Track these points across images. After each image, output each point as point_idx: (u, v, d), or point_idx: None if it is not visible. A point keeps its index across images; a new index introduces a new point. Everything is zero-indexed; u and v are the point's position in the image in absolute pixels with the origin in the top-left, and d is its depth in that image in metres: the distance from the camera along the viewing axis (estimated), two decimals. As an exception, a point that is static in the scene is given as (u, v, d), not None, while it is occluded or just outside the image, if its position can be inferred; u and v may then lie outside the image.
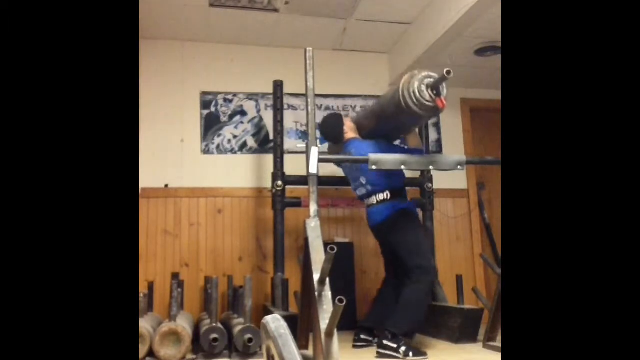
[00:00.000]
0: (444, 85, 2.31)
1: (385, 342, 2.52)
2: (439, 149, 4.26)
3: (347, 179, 3.02)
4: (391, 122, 2.69)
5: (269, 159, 3.63)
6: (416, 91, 2.31)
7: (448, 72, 2.10)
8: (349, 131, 2.91)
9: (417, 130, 2.97)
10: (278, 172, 3.34)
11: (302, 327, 2.36)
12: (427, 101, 2.31)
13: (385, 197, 2.75)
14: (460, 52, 3.67)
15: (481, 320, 2.92)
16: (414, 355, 2.47)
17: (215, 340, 2.44)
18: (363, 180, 2.80)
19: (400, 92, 2.35)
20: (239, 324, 2.54)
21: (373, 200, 2.79)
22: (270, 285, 3.41)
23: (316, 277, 1.76)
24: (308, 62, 2.27)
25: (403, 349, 2.48)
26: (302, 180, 2.92)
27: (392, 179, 2.76)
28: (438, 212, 3.93)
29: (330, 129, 2.93)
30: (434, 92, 2.29)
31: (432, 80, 2.30)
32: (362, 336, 2.82)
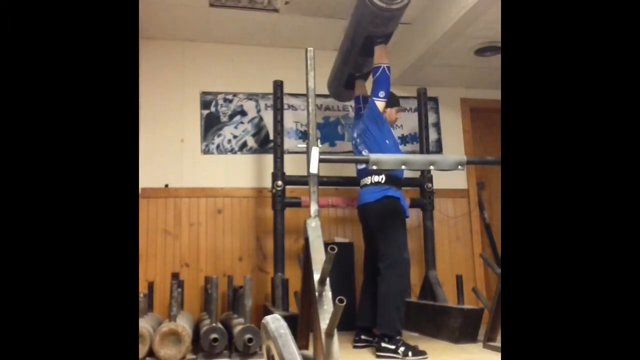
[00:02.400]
0: None
1: (383, 344, 2.53)
2: (439, 149, 4.26)
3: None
4: (359, 34, 2.88)
5: (269, 159, 3.64)
6: None
7: None
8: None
9: (384, 46, 2.94)
10: (278, 172, 3.35)
11: (302, 327, 2.37)
12: None
13: (380, 180, 2.76)
14: (460, 52, 3.67)
15: (481, 320, 2.92)
16: (413, 355, 2.47)
17: (215, 340, 2.44)
18: (365, 154, 2.81)
19: None
20: (239, 324, 2.54)
21: (368, 180, 2.81)
22: (270, 285, 3.41)
23: (316, 277, 1.77)
24: (309, 62, 2.27)
25: (402, 349, 2.48)
26: (302, 180, 2.92)
27: None
28: (438, 212, 3.93)
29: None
30: None
31: None
32: (362, 336, 2.82)
